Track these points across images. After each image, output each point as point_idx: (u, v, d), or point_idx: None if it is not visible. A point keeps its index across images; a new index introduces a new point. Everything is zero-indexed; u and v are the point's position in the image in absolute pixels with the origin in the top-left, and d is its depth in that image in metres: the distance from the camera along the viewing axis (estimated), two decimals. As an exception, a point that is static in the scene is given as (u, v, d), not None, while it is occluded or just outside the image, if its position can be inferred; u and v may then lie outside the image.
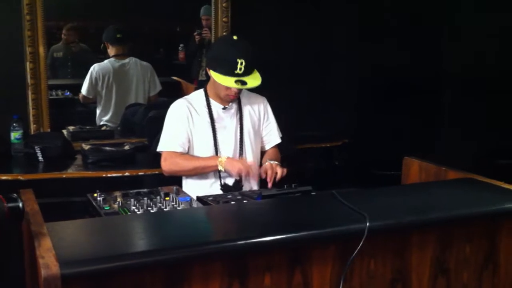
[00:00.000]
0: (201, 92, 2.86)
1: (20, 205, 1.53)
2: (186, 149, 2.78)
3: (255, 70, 2.70)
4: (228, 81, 2.62)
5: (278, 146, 3.00)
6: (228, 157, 2.70)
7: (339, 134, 4.14)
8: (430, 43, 4.62)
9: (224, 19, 3.91)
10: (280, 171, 2.69)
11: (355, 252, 1.80)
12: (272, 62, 3.84)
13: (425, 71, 4.59)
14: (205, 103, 2.81)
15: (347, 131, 4.20)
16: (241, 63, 2.60)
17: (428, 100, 4.67)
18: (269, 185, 2.66)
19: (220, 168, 2.68)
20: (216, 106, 2.81)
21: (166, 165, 2.76)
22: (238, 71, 2.61)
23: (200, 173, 2.78)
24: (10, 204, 1.51)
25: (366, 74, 4.35)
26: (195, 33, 4.25)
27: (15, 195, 1.55)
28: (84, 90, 4.04)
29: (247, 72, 2.64)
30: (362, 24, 4.34)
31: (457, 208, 2.09)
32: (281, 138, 2.99)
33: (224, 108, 2.81)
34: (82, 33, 4.23)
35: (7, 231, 1.54)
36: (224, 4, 3.90)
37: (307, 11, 4.19)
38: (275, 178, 2.68)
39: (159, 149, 2.80)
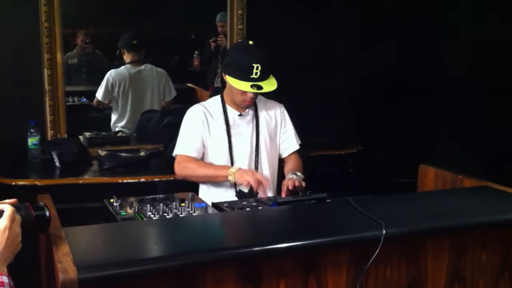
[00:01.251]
0: (217, 98, 2.87)
1: (47, 214, 1.53)
2: (201, 154, 2.78)
3: (271, 75, 2.71)
4: (244, 86, 2.63)
5: (298, 152, 2.98)
6: (239, 169, 2.67)
7: (351, 141, 4.13)
8: (440, 48, 4.63)
9: (239, 26, 3.93)
10: (295, 184, 2.65)
11: (371, 260, 1.80)
12: (286, 68, 3.86)
13: (429, 73, 4.58)
14: (221, 109, 2.82)
15: (359, 137, 4.20)
16: (257, 68, 2.61)
17: (434, 102, 4.67)
18: (283, 194, 2.65)
19: (230, 179, 2.65)
20: (232, 112, 2.82)
21: (179, 169, 2.78)
22: (254, 75, 2.62)
23: (210, 181, 2.78)
24: (37, 213, 1.51)
25: (378, 80, 4.36)
26: (211, 40, 4.27)
27: (42, 203, 1.54)
28: (99, 95, 4.07)
29: (263, 77, 2.64)
30: (373, 28, 4.35)
31: (472, 216, 2.08)
32: (300, 145, 2.97)
33: (240, 115, 2.82)
34: (96, 40, 4.28)
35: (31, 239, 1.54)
36: (239, 12, 3.92)
37: (321, 19, 4.21)
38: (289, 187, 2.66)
39: (174, 152, 2.81)
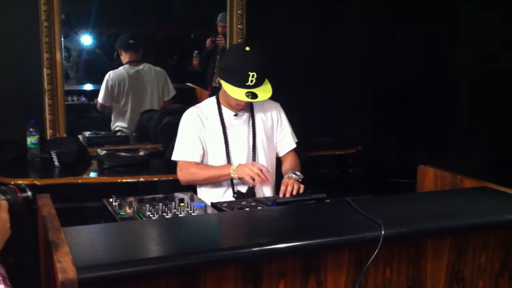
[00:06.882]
0: (212, 99, 2.86)
1: (30, 194, 1.49)
2: (202, 157, 2.78)
3: (266, 81, 2.70)
4: (239, 94, 2.62)
5: (295, 151, 2.97)
6: (240, 164, 2.67)
7: (351, 141, 4.13)
8: (442, 48, 4.62)
9: (239, 26, 3.92)
10: (296, 187, 2.63)
11: (370, 260, 1.80)
12: (285, 69, 3.87)
13: (438, 77, 4.59)
14: (217, 111, 2.81)
15: (359, 137, 4.20)
16: (253, 76, 2.60)
17: (441, 106, 4.67)
18: (280, 194, 2.64)
19: (233, 176, 2.66)
20: (228, 113, 2.81)
21: (182, 175, 2.78)
22: (249, 83, 2.61)
23: (214, 182, 2.78)
24: (24, 194, 1.47)
25: (378, 80, 4.36)
26: (208, 39, 4.27)
27: (23, 184, 1.50)
28: (101, 98, 4.06)
29: (258, 83, 2.64)
30: (374, 29, 4.35)
31: (472, 216, 2.08)
32: (297, 143, 2.97)
33: (236, 115, 2.81)
34: (96, 39, 4.27)
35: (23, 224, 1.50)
36: (239, 11, 3.91)
37: (321, 19, 4.21)
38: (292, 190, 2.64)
39: (174, 158, 2.81)
